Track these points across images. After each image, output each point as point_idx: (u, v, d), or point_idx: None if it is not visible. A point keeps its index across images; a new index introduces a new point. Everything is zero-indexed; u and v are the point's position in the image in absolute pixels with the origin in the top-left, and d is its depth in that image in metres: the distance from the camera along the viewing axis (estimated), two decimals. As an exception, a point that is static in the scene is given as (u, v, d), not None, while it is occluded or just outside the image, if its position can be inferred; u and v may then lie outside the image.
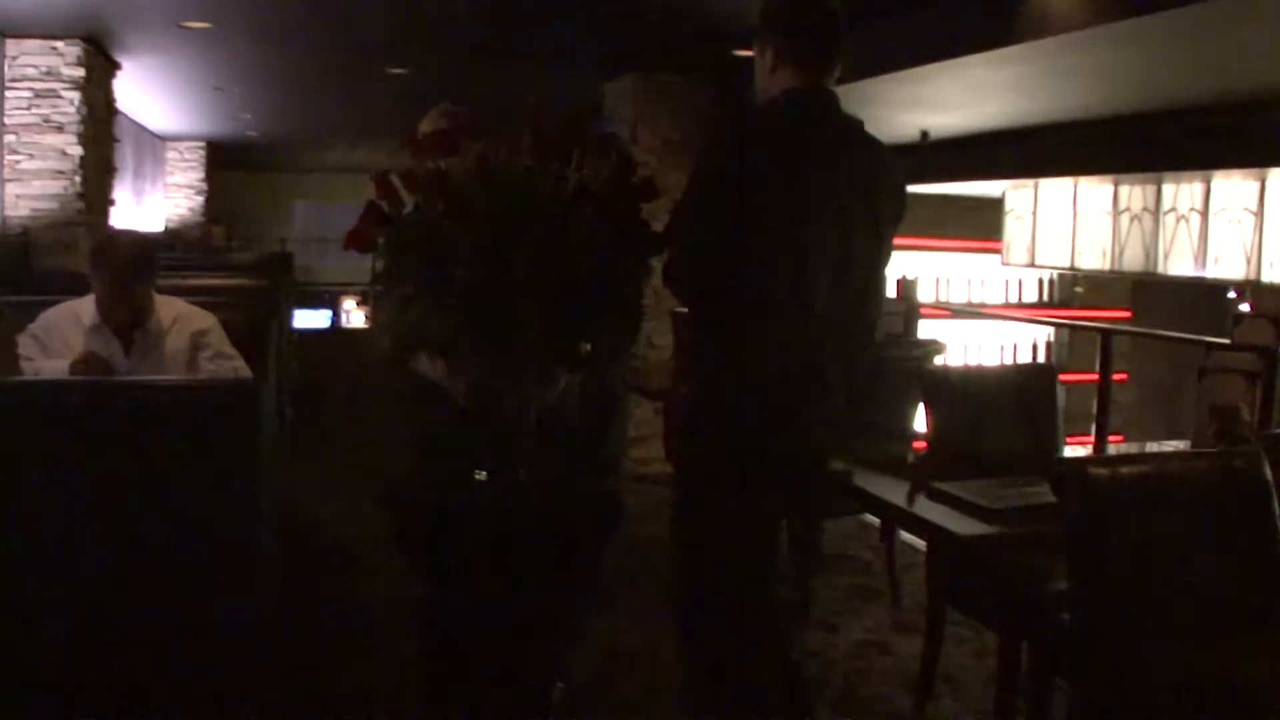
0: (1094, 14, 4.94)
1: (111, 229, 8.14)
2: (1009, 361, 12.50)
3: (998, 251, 11.40)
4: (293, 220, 19.34)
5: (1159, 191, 9.09)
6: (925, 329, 8.43)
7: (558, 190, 3.04)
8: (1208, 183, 8.56)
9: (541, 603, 3.38)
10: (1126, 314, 13.31)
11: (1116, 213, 9.59)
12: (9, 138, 7.50)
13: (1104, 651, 2.56)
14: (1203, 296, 12.15)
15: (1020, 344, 13.16)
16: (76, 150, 7.58)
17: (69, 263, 7.13)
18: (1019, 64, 5.93)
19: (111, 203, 8.59)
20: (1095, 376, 7.03)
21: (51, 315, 4.16)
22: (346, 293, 17.77)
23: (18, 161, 7.51)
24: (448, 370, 3.31)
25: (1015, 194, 10.94)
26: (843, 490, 4.02)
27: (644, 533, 5.51)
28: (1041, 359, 13.02)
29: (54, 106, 7.54)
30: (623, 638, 4.76)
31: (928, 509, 3.49)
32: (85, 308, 4.12)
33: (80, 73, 7.56)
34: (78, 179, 7.60)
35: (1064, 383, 4.50)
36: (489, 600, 3.30)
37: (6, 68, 7.47)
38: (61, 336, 4.09)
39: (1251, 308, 10.14)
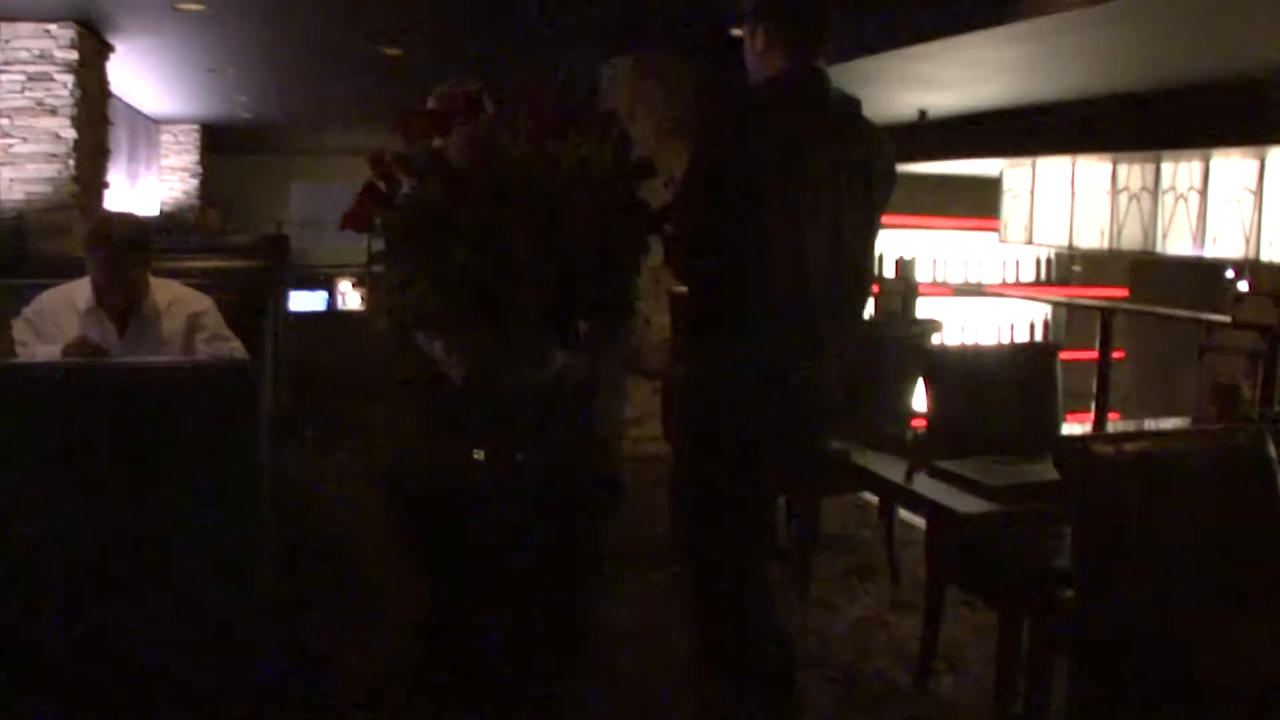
0: (1094, -8, 4.92)
1: (106, 211, 8.11)
2: (1006, 340, 12.49)
3: (995, 230, 11.39)
4: (289, 203, 19.27)
5: (1158, 170, 9.07)
6: (922, 308, 8.43)
7: (555, 170, 3.02)
8: (1207, 162, 8.54)
9: (540, 582, 3.38)
10: (1124, 293, 13.30)
11: (1115, 191, 9.57)
12: (2, 121, 7.47)
13: (1106, 629, 2.55)
14: (1200, 275, 12.13)
15: (1017, 323, 13.14)
16: (70, 134, 7.55)
17: (63, 246, 7.11)
18: (1018, 42, 5.90)
19: (106, 186, 8.55)
20: (1092, 355, 7.03)
21: (45, 299, 4.14)
22: (343, 275, 17.72)
23: (11, 145, 7.48)
24: (445, 350, 3.30)
25: (1013, 173, 10.91)
26: (842, 469, 4.01)
27: (642, 512, 5.52)
28: (1039, 338, 13.01)
29: (47, 90, 7.50)
30: (621, 615, 4.76)
31: (928, 487, 3.48)
32: (80, 291, 4.10)
33: (73, 56, 7.51)
34: (71, 162, 7.57)
35: (1062, 361, 4.49)
36: (487, 581, 3.30)
37: (-1, 51, 7.44)
38: (55, 320, 4.07)
39: (1250, 286, 10.14)
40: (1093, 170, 9.81)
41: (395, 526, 3.90)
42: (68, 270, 4.28)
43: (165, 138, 14.46)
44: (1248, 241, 8.20)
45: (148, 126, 13.46)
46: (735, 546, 3.31)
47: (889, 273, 8.47)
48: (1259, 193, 8.09)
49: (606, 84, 8.74)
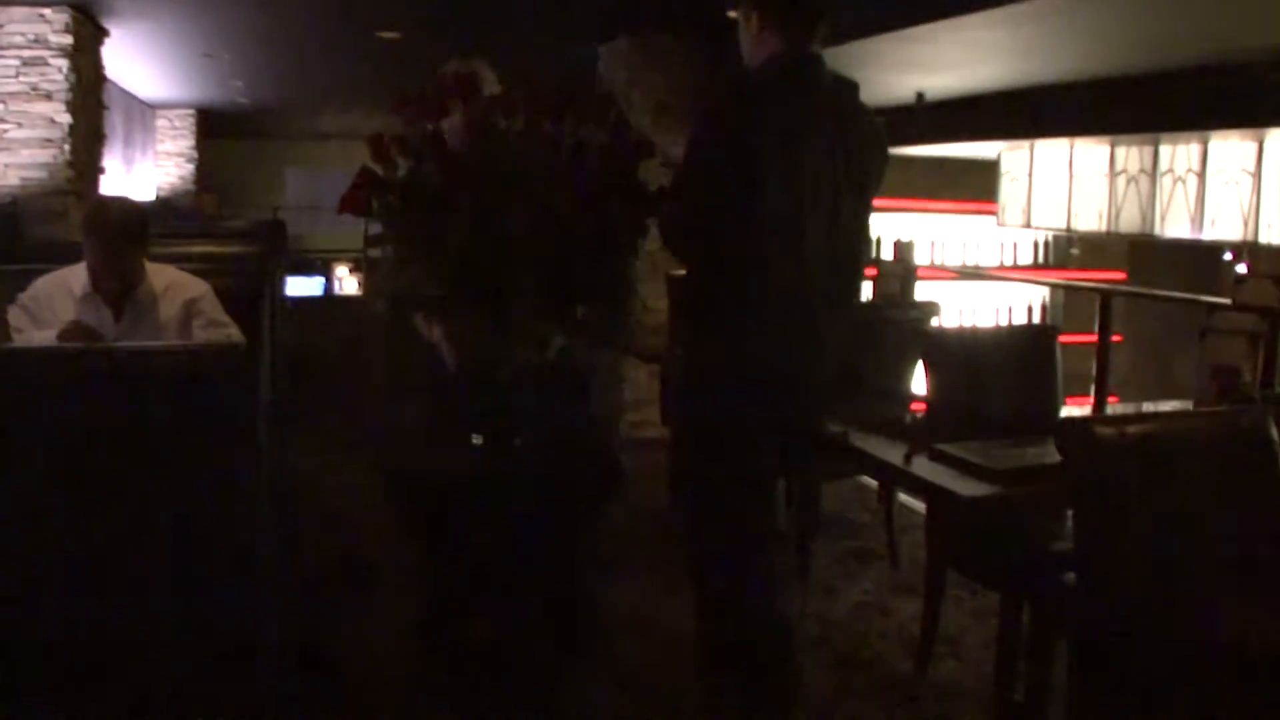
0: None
1: (102, 196, 8.07)
2: (1004, 323, 12.47)
3: (993, 213, 11.37)
4: (285, 188, 19.23)
5: (1156, 153, 9.05)
6: (920, 291, 8.42)
7: (553, 151, 3.01)
8: (1205, 144, 8.52)
9: (539, 568, 3.37)
10: (1122, 275, 13.28)
11: (1113, 174, 9.55)
12: (-3, 106, 7.45)
13: (1110, 612, 2.54)
14: (1198, 258, 12.11)
15: (1015, 306, 13.13)
16: (65, 118, 7.51)
17: (59, 232, 7.08)
18: (1016, 24, 5.88)
19: (101, 171, 8.52)
20: (1089, 338, 7.02)
21: (41, 284, 4.13)
22: (339, 260, 17.70)
23: (6, 130, 7.44)
24: (442, 335, 3.29)
25: (1011, 155, 10.89)
26: (841, 452, 4.00)
27: (641, 497, 5.51)
28: (1036, 321, 13.00)
29: (42, 74, 7.46)
30: (620, 599, 4.75)
31: (929, 470, 3.47)
32: (76, 276, 4.09)
33: (68, 40, 7.47)
34: (67, 148, 7.53)
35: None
36: (486, 567, 3.29)
37: (-6, 36, 7.40)
38: (51, 306, 4.06)
39: (1249, 269, 10.12)
40: (1091, 153, 9.79)
41: (394, 512, 3.89)
42: (64, 256, 4.26)
43: (161, 123, 14.42)
44: (1246, 224, 8.18)
45: (143, 111, 13.42)
46: (735, 531, 3.31)
47: (887, 255, 8.46)
48: (1257, 175, 8.07)
49: (604, 66, 8.72)
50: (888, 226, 11.95)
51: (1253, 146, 8.12)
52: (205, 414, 3.31)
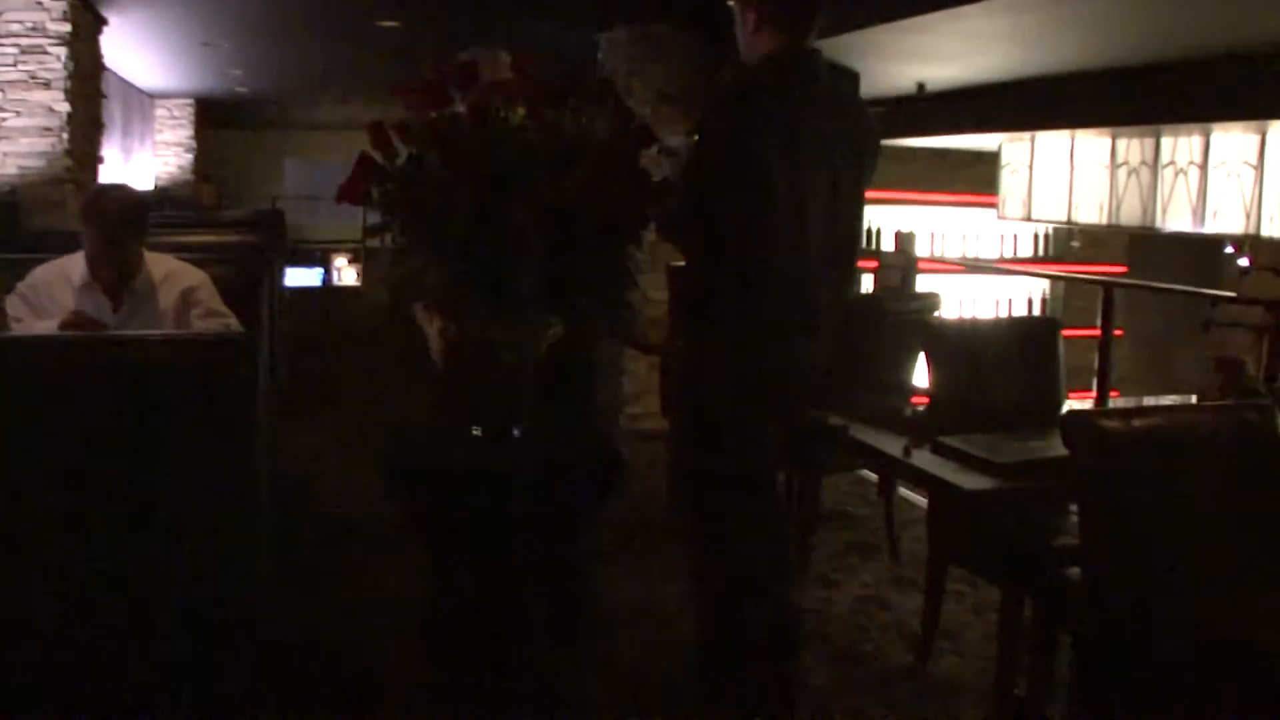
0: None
1: (101, 185, 8.05)
2: (1004, 315, 12.45)
3: (993, 206, 11.34)
4: (283, 178, 19.22)
5: (1157, 145, 9.01)
6: (920, 283, 8.40)
7: (554, 139, 2.99)
8: (1207, 136, 8.49)
9: (540, 561, 3.35)
10: (1123, 269, 13.26)
11: (1114, 166, 9.52)
12: (-5, 95, 7.42)
13: (1115, 607, 2.53)
14: (1199, 251, 12.10)
15: (1015, 299, 13.10)
16: (64, 107, 7.48)
17: (58, 221, 7.06)
18: (1017, 13, 5.86)
19: (100, 160, 8.50)
20: (1089, 331, 7.01)
21: (39, 273, 4.11)
22: (338, 251, 17.70)
23: (5, 119, 7.42)
24: (434, 329, 3.27)
25: (1012, 147, 10.86)
26: (841, 444, 3.99)
27: (641, 489, 5.50)
28: (1036, 313, 12.97)
29: (40, 63, 7.44)
30: (619, 592, 4.74)
31: (930, 463, 3.45)
32: (75, 265, 4.07)
33: (66, 28, 7.44)
34: (65, 136, 7.50)
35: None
36: (487, 559, 3.27)
37: (-8, 24, 7.37)
38: (50, 295, 4.04)
39: (1251, 262, 10.10)
40: (1092, 145, 9.76)
41: (392, 502, 3.88)
42: (62, 245, 4.25)
43: (160, 112, 14.40)
44: (1248, 216, 8.15)
45: (142, 101, 13.39)
46: (738, 523, 3.30)
47: (888, 247, 8.43)
48: (1260, 167, 8.03)
49: (604, 56, 8.69)
50: (887, 218, 11.94)
51: (1255, 139, 8.09)
52: (203, 404, 3.29)
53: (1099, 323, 7.13)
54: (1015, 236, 13.39)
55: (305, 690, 3.82)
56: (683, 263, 3.57)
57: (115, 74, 10.89)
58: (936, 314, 5.82)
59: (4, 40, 7.38)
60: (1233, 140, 8.26)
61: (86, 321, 3.87)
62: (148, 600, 3.24)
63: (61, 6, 7.41)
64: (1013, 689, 3.59)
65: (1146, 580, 2.52)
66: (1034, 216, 10.76)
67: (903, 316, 5.44)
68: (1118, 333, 10.35)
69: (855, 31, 6.30)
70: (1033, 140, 10.44)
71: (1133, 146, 9.30)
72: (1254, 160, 8.06)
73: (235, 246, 5.25)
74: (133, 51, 10.09)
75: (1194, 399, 4.56)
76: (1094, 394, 6.66)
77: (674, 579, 4.49)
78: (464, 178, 2.89)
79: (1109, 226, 9.85)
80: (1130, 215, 9.40)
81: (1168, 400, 5.09)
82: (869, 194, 3.42)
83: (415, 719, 3.72)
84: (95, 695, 3.17)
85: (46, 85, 7.44)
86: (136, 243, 4.08)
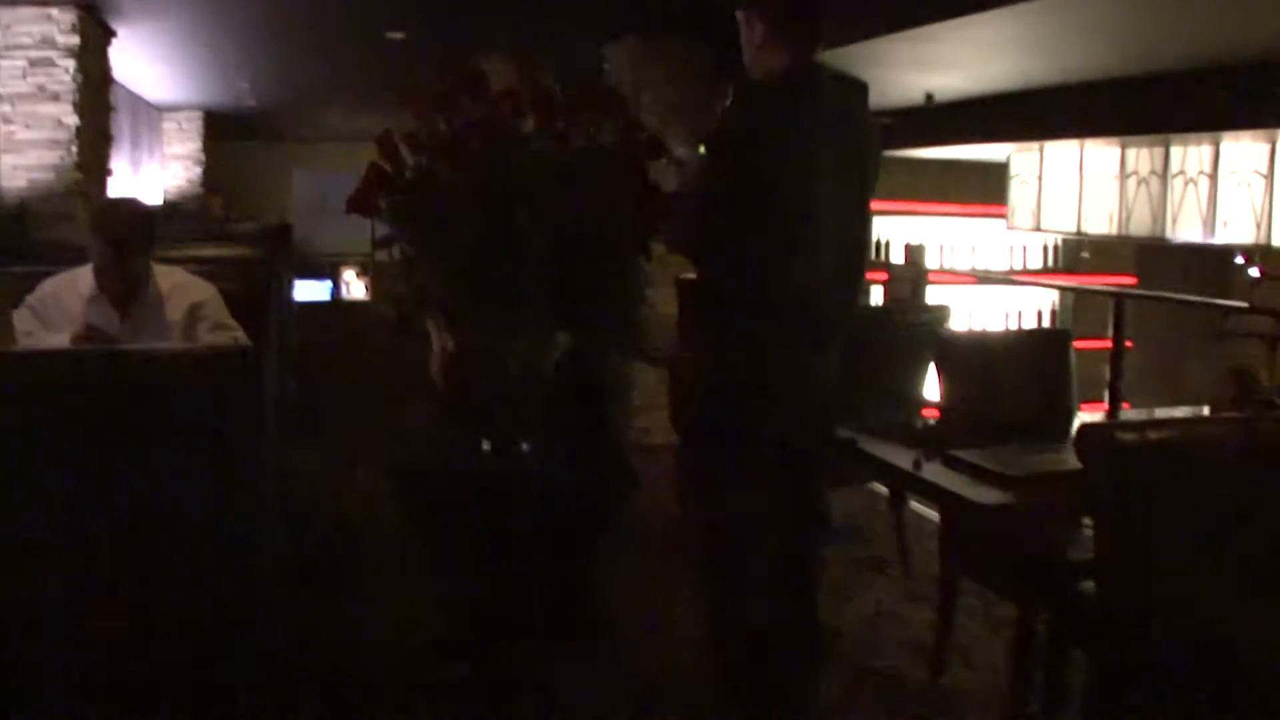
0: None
1: (109, 198, 8.05)
2: (1014, 327, 12.43)
3: (1002, 216, 11.32)
4: (292, 190, 19.22)
5: (1167, 154, 8.99)
6: (929, 295, 8.36)
7: (564, 149, 2.99)
8: (1217, 145, 8.47)
9: (552, 574, 3.34)
10: (1133, 280, 13.23)
11: (1123, 176, 9.50)
12: (4, 108, 7.40)
13: (1131, 621, 2.50)
14: (1208, 261, 12.06)
15: (1024, 310, 13.08)
16: (73, 119, 7.48)
17: (66, 233, 7.05)
18: (1025, 22, 5.85)
19: (109, 173, 8.50)
20: (1098, 343, 6.98)
21: (48, 286, 4.10)
22: (346, 263, 17.70)
23: (13, 132, 7.41)
24: (438, 343, 3.27)
25: (1021, 157, 10.85)
26: (852, 457, 3.96)
27: (650, 502, 5.48)
28: (1046, 325, 12.95)
29: (49, 75, 7.43)
30: (629, 606, 4.71)
31: (942, 476, 3.42)
32: (84, 278, 4.06)
33: (75, 40, 7.44)
34: (74, 149, 7.49)
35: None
36: (498, 573, 3.26)
37: (0, 36, 7.36)
38: (59, 307, 4.03)
39: (1262, 272, 10.06)
40: (1101, 154, 9.74)
41: (403, 517, 3.86)
42: (71, 257, 4.24)
43: (168, 125, 14.41)
44: (1259, 226, 8.12)
45: (150, 113, 13.41)
46: (747, 533, 3.29)
47: (897, 259, 8.41)
48: (1270, 176, 8.01)
49: (611, 67, 8.69)
50: (896, 230, 11.92)
51: (1265, 147, 8.07)
52: (209, 416, 3.28)
53: (1109, 334, 7.09)
54: (1025, 248, 13.37)
55: (309, 697, 3.81)
56: (692, 275, 3.56)
57: (124, 87, 10.90)
58: (946, 326, 5.80)
59: (13, 53, 7.38)
60: (1243, 149, 8.24)
61: (98, 335, 3.87)
62: (152, 614, 3.24)
63: (70, 19, 7.41)
64: (1025, 704, 3.57)
65: (1161, 594, 2.49)
66: (1043, 227, 10.74)
67: (914, 328, 5.42)
68: (1128, 344, 10.34)
69: (863, 41, 6.29)
70: (1041, 150, 10.43)
71: (1142, 156, 9.28)
72: (1264, 169, 8.04)
73: (244, 260, 5.24)
74: (141, 64, 10.10)
75: (1206, 410, 4.54)
76: (1105, 405, 6.62)
77: (684, 590, 4.47)
78: (473, 188, 2.88)
79: (1119, 237, 9.83)
80: (1140, 225, 9.38)
81: (1180, 412, 5.05)
82: (876, 205, 3.43)
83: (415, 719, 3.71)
84: (99, 704, 3.17)
85: (55, 98, 7.44)
86: (144, 255, 4.07)
